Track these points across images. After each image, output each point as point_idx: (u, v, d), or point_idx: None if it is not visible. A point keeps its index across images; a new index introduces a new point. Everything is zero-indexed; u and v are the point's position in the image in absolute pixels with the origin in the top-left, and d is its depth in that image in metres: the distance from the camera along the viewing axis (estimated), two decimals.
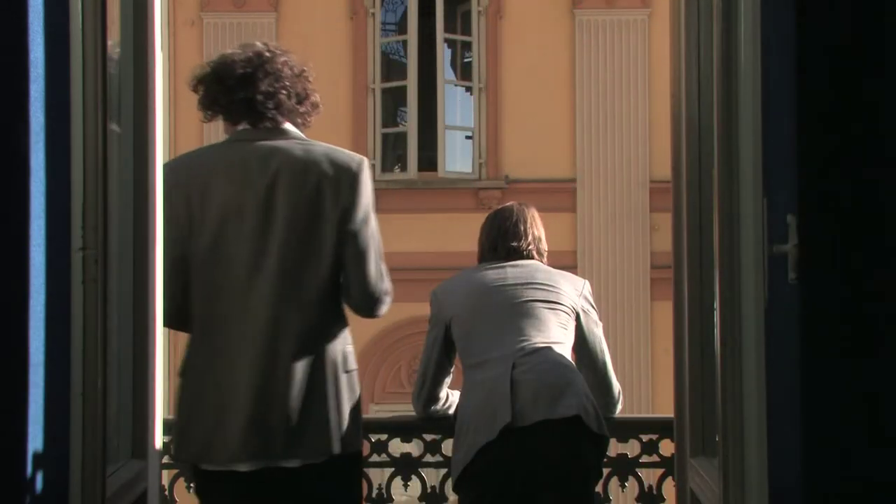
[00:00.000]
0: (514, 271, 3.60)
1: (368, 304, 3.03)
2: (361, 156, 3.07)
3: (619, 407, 3.80)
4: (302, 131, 3.13)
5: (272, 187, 2.95)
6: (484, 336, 3.51)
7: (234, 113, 3.10)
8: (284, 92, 3.06)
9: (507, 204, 3.84)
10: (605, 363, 3.69)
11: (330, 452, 2.97)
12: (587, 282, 3.72)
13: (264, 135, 3.03)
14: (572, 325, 3.57)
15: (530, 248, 3.68)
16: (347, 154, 3.03)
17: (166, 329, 3.11)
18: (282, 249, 2.92)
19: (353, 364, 3.07)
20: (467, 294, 3.59)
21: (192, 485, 3.31)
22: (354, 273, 2.98)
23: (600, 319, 3.71)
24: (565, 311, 3.55)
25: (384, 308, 3.07)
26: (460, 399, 3.56)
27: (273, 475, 2.97)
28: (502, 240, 3.68)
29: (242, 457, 2.94)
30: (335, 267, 2.99)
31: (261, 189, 2.95)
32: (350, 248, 2.97)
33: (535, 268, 3.63)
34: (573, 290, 3.60)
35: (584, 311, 3.61)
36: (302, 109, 3.11)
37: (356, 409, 3.07)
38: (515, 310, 3.51)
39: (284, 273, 2.93)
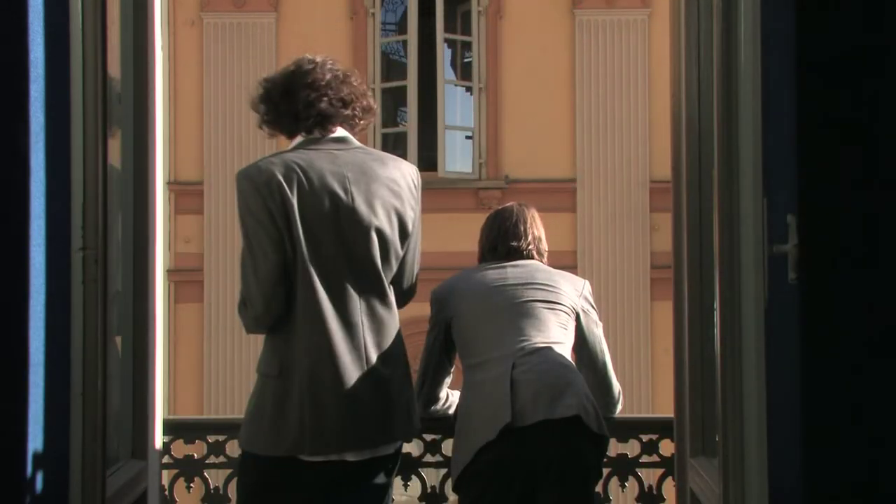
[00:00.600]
0: (514, 271, 3.60)
1: (404, 300, 3.29)
2: (413, 167, 3.27)
3: (620, 407, 3.80)
4: (353, 134, 3.22)
5: (348, 192, 3.05)
6: (484, 336, 3.51)
7: (284, 127, 3.18)
8: (325, 100, 3.12)
9: (508, 204, 3.84)
10: (605, 363, 3.69)
11: (413, 435, 3.22)
12: (587, 282, 3.72)
13: (330, 144, 3.12)
14: (572, 325, 3.57)
15: (530, 248, 3.68)
16: (407, 163, 3.25)
17: (166, 329, 3.11)
18: (372, 252, 3.08)
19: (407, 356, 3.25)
20: (467, 294, 3.59)
21: (249, 480, 3.25)
22: (408, 271, 3.24)
23: (600, 319, 3.71)
24: (565, 312, 3.55)
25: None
26: (460, 399, 3.56)
27: (335, 466, 3.04)
28: (502, 240, 3.68)
29: (344, 446, 3.02)
30: (398, 265, 3.18)
31: (339, 193, 3.03)
32: (409, 249, 3.20)
33: (535, 268, 3.63)
34: (573, 291, 3.60)
35: (584, 311, 3.61)
36: (346, 113, 3.18)
37: (413, 399, 3.25)
38: (515, 310, 3.51)
39: (375, 274, 3.09)
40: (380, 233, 3.07)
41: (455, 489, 3.52)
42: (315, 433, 2.96)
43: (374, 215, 3.05)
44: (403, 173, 3.17)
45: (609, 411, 3.69)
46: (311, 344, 2.98)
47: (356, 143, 3.16)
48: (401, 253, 3.15)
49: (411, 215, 3.15)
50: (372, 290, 3.07)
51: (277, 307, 2.97)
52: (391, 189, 3.10)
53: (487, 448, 3.33)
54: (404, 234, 3.14)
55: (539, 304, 3.52)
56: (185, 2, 12.71)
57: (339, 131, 3.13)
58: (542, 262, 3.69)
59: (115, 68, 2.87)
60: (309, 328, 2.99)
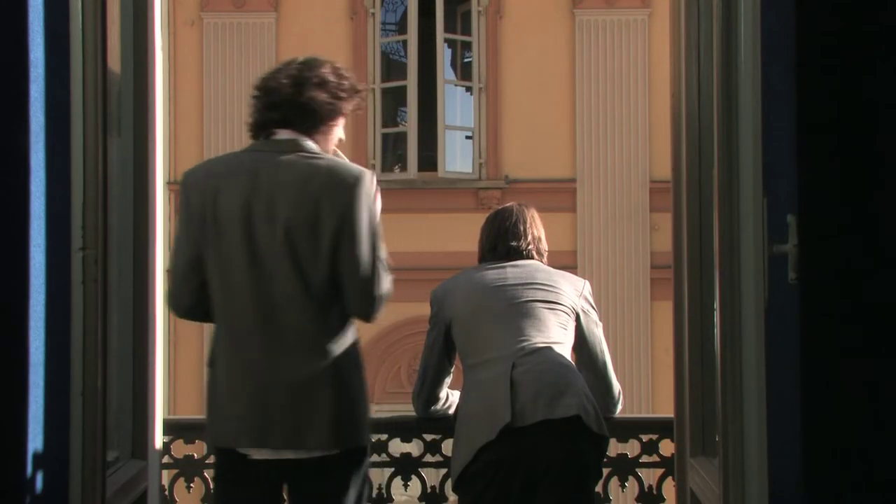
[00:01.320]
0: (514, 271, 3.60)
1: (363, 308, 3.09)
2: (364, 169, 3.15)
3: (619, 407, 3.80)
4: (320, 137, 3.21)
5: (275, 196, 3.04)
6: (484, 336, 3.51)
7: (252, 131, 3.23)
8: (273, 106, 3.16)
9: (507, 204, 3.84)
10: (605, 363, 3.68)
11: (329, 447, 3.03)
12: (587, 282, 3.71)
13: (274, 146, 3.14)
14: (572, 325, 3.57)
15: (530, 248, 3.68)
16: (348, 166, 3.13)
17: (166, 329, 3.12)
18: (283, 254, 3.01)
19: (358, 361, 3.12)
20: (467, 294, 3.59)
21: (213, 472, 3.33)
22: (350, 279, 3.05)
23: (600, 319, 3.70)
24: (565, 312, 3.55)
25: (379, 310, 3.11)
26: (460, 399, 3.55)
27: (280, 466, 3.04)
28: (502, 240, 3.68)
29: (244, 442, 3.01)
30: (333, 270, 3.05)
31: (265, 197, 3.04)
32: (345, 258, 3.05)
33: (535, 268, 3.63)
34: (573, 291, 3.60)
35: (583, 311, 3.61)
36: (302, 119, 3.19)
37: (360, 406, 3.11)
38: (515, 310, 3.51)
39: (287, 275, 3.02)
40: (289, 232, 3.03)
41: (455, 489, 3.52)
42: (237, 426, 3.00)
43: (281, 215, 3.02)
44: (339, 176, 3.09)
45: (609, 411, 3.69)
46: (226, 340, 3.03)
47: (302, 146, 3.15)
48: (325, 251, 3.04)
49: (333, 212, 3.04)
50: (287, 290, 3.03)
51: (187, 299, 3.03)
52: (305, 188, 3.05)
53: (487, 448, 3.33)
54: (325, 232, 3.04)
55: (539, 304, 3.52)
56: (185, 2, 12.71)
57: (285, 134, 3.16)
58: (541, 262, 3.69)
59: (115, 68, 2.87)
60: (222, 325, 3.04)
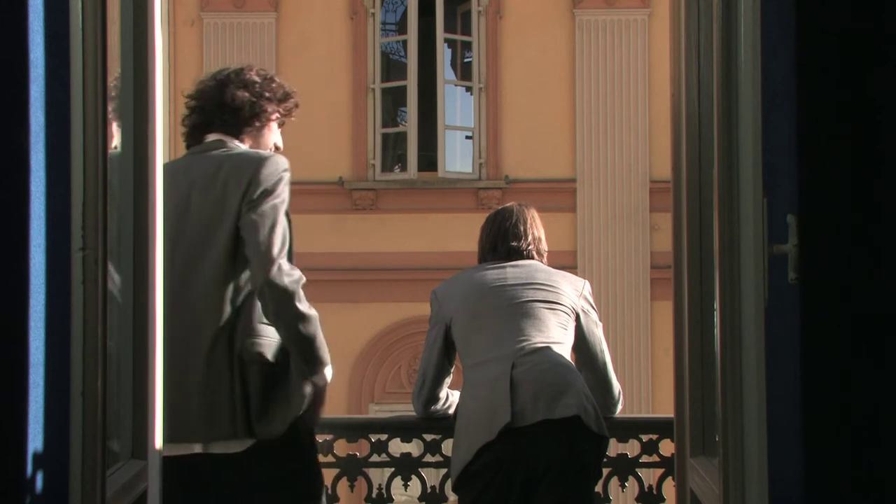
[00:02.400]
0: (513, 271, 3.60)
1: (262, 268, 3.07)
2: (273, 154, 3.25)
3: (620, 407, 3.80)
4: (249, 140, 3.32)
5: (189, 193, 3.18)
6: (483, 336, 3.51)
7: (185, 138, 3.41)
8: (200, 109, 3.33)
9: (508, 204, 3.85)
10: (604, 363, 3.69)
11: (235, 437, 3.07)
12: (587, 282, 3.71)
13: (195, 149, 3.31)
14: (572, 325, 3.57)
15: (530, 248, 3.68)
16: (256, 151, 3.25)
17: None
18: (190, 244, 3.13)
19: (261, 349, 3.12)
20: (467, 294, 3.59)
21: None
22: (249, 242, 3.08)
23: (600, 320, 3.71)
24: (565, 312, 3.55)
25: (282, 277, 3.07)
26: (460, 399, 3.55)
27: (201, 463, 3.11)
28: (502, 240, 3.68)
29: (171, 437, 3.07)
30: (236, 255, 3.12)
31: (182, 195, 3.18)
32: (246, 223, 3.10)
33: (535, 268, 3.62)
34: (573, 291, 3.60)
35: (583, 311, 3.61)
36: (225, 119, 3.32)
37: (271, 396, 3.11)
38: (515, 310, 3.51)
39: (191, 265, 3.13)
40: (210, 223, 3.13)
41: (455, 489, 3.52)
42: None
43: (194, 206, 3.14)
44: (245, 160, 3.18)
45: (609, 411, 3.69)
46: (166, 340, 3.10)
47: (227, 145, 3.26)
48: (229, 230, 3.10)
49: (245, 193, 3.11)
50: (201, 279, 3.12)
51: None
52: (215, 176, 3.14)
53: (487, 448, 3.33)
54: (241, 214, 3.10)
55: (539, 304, 3.52)
56: (185, 2, 12.71)
57: (212, 136, 3.29)
58: (542, 262, 3.69)
59: (115, 68, 2.87)
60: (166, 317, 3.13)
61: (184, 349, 3.10)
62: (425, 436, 4.04)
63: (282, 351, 3.16)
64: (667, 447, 3.95)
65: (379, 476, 4.09)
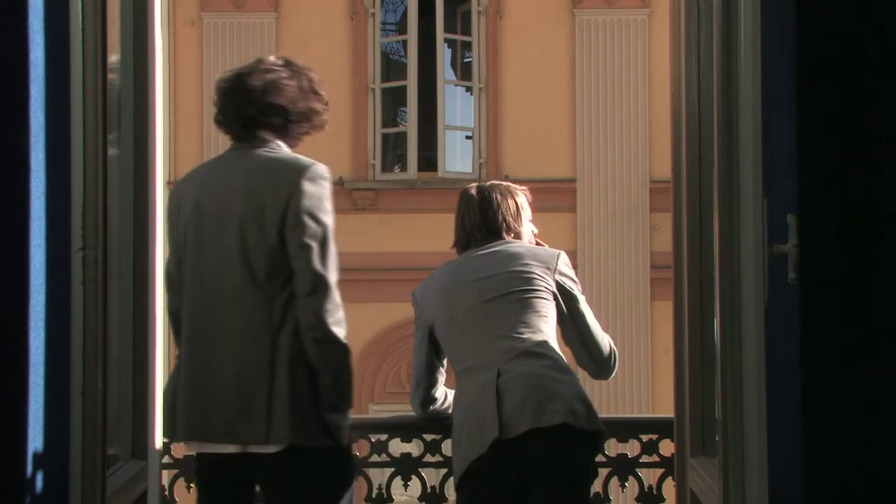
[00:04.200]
0: (485, 262, 3.52)
1: (315, 299, 3.03)
2: (313, 161, 3.14)
3: (616, 367, 3.64)
4: (285, 141, 3.23)
5: (228, 195, 3.08)
6: (465, 340, 3.46)
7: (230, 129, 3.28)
8: (251, 109, 3.18)
9: (472, 187, 3.77)
10: (589, 332, 3.53)
11: (262, 442, 3.00)
12: (562, 253, 3.60)
13: (235, 148, 3.18)
14: (552, 306, 3.48)
15: (500, 229, 3.62)
16: (296, 158, 3.15)
17: (166, 329, 3.13)
18: (231, 250, 3.04)
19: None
20: (442, 296, 3.53)
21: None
22: (296, 266, 3.02)
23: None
24: (542, 297, 3.46)
25: (329, 304, 3.04)
26: (453, 406, 3.53)
27: (234, 463, 3.05)
28: (471, 228, 3.64)
29: (181, 436, 3.03)
30: (278, 264, 3.04)
31: (219, 197, 3.08)
32: (292, 242, 3.03)
33: (507, 254, 3.54)
34: (546, 270, 3.51)
35: (560, 286, 3.50)
36: (266, 120, 3.19)
37: (306, 402, 3.05)
38: (491, 306, 3.44)
39: (230, 271, 3.04)
40: (253, 228, 3.04)
41: (457, 488, 3.51)
42: (181, 419, 3.03)
43: (232, 213, 3.05)
44: (284, 168, 3.11)
45: (605, 374, 3.60)
46: (184, 335, 3.07)
47: (262, 147, 3.16)
48: (272, 240, 3.03)
49: (287, 207, 3.04)
50: (232, 282, 3.04)
51: (171, 301, 3.10)
52: (253, 181, 3.07)
53: (479, 459, 3.32)
54: (273, 227, 3.05)
55: (514, 296, 3.44)
56: (185, 2, 12.70)
57: (261, 133, 3.18)
58: (516, 239, 3.62)
59: (115, 68, 2.87)
60: (183, 322, 3.09)
61: (219, 347, 3.03)
62: (425, 436, 4.03)
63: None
64: (667, 447, 3.94)
65: (379, 476, 4.08)
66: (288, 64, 3.29)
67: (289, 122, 3.22)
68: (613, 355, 3.63)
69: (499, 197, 3.66)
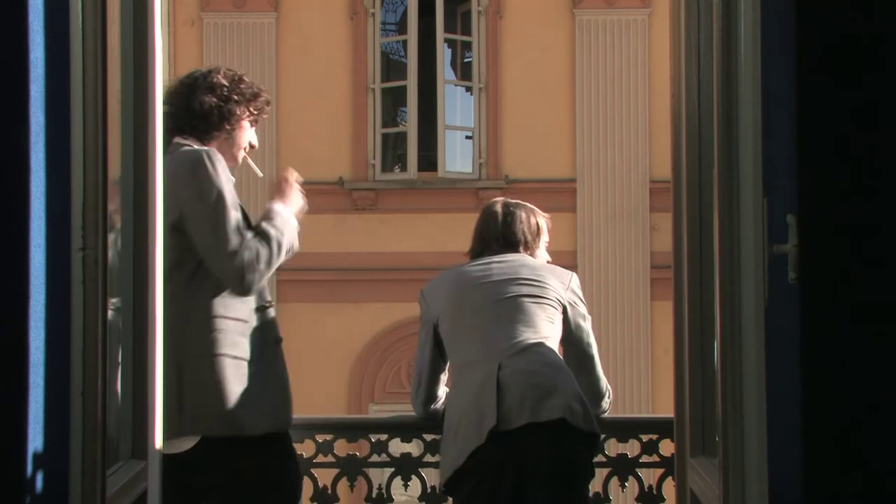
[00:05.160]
0: (499, 267, 3.57)
1: (233, 278, 3.19)
2: (198, 150, 3.26)
3: (608, 405, 3.75)
4: (221, 143, 3.36)
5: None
6: (469, 335, 3.49)
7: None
8: (170, 114, 3.32)
9: (498, 201, 3.82)
10: (592, 357, 3.63)
11: (171, 436, 3.11)
12: (574, 275, 3.68)
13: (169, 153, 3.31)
14: (559, 318, 3.54)
15: (518, 242, 3.65)
16: (183, 153, 3.27)
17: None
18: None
19: (219, 349, 3.20)
20: (451, 293, 3.57)
21: None
22: (206, 252, 3.19)
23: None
24: (552, 305, 3.51)
25: (252, 275, 3.19)
26: (448, 400, 3.54)
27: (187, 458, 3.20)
28: (489, 237, 3.67)
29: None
30: (181, 253, 3.19)
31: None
32: (195, 235, 3.18)
33: (521, 262, 3.59)
34: (559, 284, 3.56)
35: (571, 303, 3.56)
36: (194, 124, 3.35)
37: (210, 394, 3.18)
38: (500, 306, 3.48)
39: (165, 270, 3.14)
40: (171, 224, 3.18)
41: (446, 490, 3.51)
42: None
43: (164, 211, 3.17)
44: (178, 161, 3.23)
45: (597, 409, 3.66)
46: None
47: (180, 148, 3.29)
48: (172, 236, 3.16)
49: (175, 201, 3.17)
50: (170, 275, 3.16)
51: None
52: (167, 182, 3.18)
53: (477, 451, 3.32)
54: (184, 218, 3.19)
55: (524, 299, 3.49)
56: (185, 2, 12.71)
57: (180, 140, 3.34)
58: (530, 254, 3.66)
59: (115, 68, 2.87)
60: None
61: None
62: (425, 436, 4.04)
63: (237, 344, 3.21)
64: (667, 447, 3.94)
65: (379, 476, 4.09)
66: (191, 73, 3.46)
67: (210, 127, 3.36)
68: (609, 393, 3.72)
69: (523, 214, 3.72)
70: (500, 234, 3.66)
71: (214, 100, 3.34)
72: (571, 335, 3.59)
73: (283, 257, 3.26)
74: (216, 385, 3.16)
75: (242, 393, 3.18)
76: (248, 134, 3.44)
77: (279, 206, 3.34)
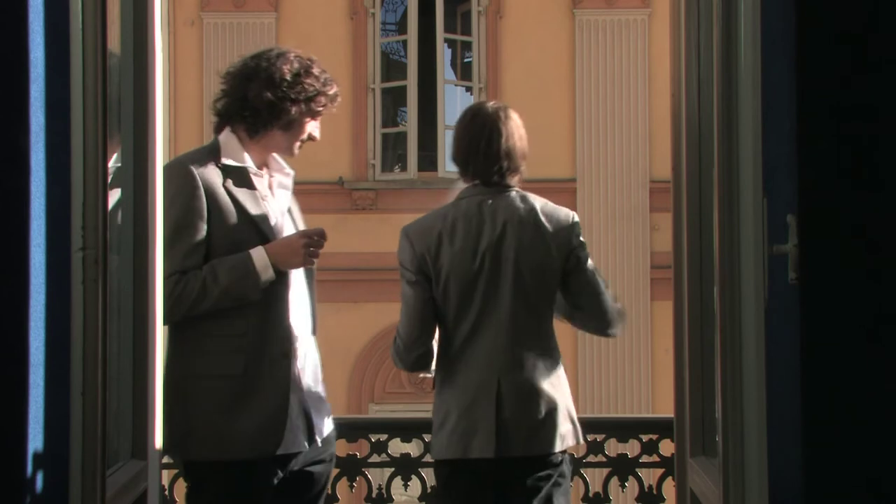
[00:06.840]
0: (499, 228, 3.46)
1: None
2: (171, 163, 3.29)
3: (622, 325, 3.52)
4: (260, 135, 3.28)
5: None
6: (470, 318, 3.31)
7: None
8: (225, 99, 3.31)
9: (485, 108, 3.66)
10: (598, 295, 3.44)
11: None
12: (577, 222, 3.57)
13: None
14: (558, 278, 3.40)
15: (504, 171, 3.59)
16: (172, 161, 3.30)
17: (166, 329, 3.13)
18: None
19: (176, 366, 3.23)
20: (452, 257, 3.36)
21: None
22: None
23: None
24: (553, 276, 3.37)
25: (168, 306, 3.14)
26: (443, 390, 3.38)
27: None
28: (473, 159, 3.60)
29: None
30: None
31: None
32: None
33: (520, 218, 3.50)
34: (559, 245, 3.44)
35: (572, 256, 3.42)
36: (244, 115, 3.25)
37: (175, 416, 3.17)
38: (502, 304, 3.33)
39: None
40: None
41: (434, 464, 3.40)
42: None
43: None
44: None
45: (610, 333, 3.51)
46: None
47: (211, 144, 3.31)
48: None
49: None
50: None
51: None
52: None
53: (463, 469, 3.29)
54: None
55: (528, 279, 3.34)
56: (185, 2, 12.70)
57: (223, 134, 3.32)
58: (517, 182, 3.59)
59: (115, 69, 2.87)
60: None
61: None
62: (425, 436, 4.03)
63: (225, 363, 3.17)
64: (667, 447, 3.95)
65: (379, 476, 4.09)
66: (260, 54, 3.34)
67: (257, 123, 3.30)
68: (619, 316, 3.51)
69: (508, 131, 3.61)
70: (496, 157, 3.57)
71: (270, 95, 3.18)
72: (570, 287, 3.41)
73: (209, 306, 3.12)
74: (171, 409, 3.11)
75: (197, 418, 3.15)
76: (309, 127, 3.30)
77: (264, 252, 3.19)
